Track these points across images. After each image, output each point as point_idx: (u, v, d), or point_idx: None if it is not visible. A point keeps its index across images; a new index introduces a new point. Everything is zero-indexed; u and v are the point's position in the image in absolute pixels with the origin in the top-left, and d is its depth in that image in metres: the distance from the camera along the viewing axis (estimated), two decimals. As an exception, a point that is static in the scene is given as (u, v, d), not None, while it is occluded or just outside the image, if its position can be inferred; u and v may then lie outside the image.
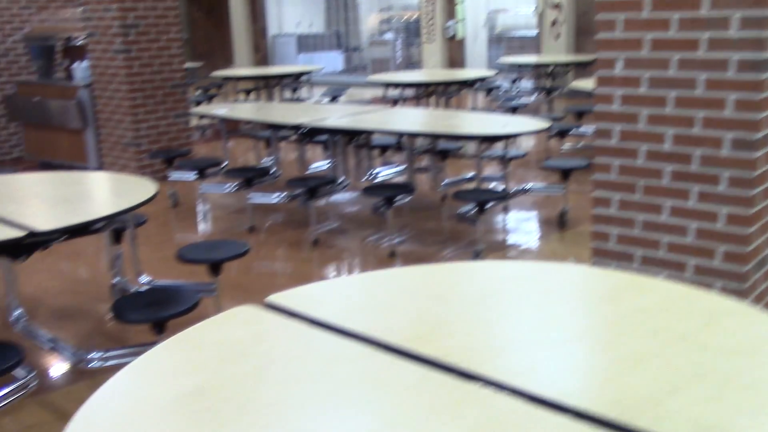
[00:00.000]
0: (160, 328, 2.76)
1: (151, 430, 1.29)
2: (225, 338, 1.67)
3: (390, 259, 4.74)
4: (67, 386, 3.26)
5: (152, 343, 2.83)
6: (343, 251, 4.99)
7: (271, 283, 4.46)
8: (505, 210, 5.64)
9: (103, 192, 3.53)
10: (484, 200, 4.47)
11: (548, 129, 5.17)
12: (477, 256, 4.59)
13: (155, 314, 2.72)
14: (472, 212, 4.67)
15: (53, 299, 4.31)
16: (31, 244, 2.78)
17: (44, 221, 2.83)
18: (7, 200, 3.29)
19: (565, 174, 5.22)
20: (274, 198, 5.82)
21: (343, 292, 1.98)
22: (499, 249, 4.89)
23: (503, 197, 4.82)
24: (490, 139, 5.22)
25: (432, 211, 5.84)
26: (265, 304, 1.85)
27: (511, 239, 5.14)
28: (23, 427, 2.91)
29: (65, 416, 2.98)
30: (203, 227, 5.73)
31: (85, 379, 3.27)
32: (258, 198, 5.82)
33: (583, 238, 4.95)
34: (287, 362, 1.54)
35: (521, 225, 5.46)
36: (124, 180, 3.59)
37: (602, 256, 3.19)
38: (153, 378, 1.50)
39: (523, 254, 4.78)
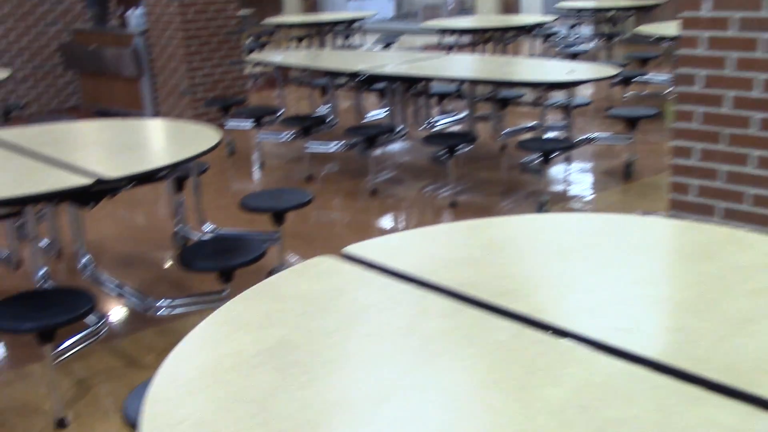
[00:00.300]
0: (228, 277, 2.75)
1: (242, 382, 1.25)
2: (305, 289, 1.62)
3: (451, 208, 4.65)
4: (135, 333, 3.29)
5: (219, 292, 2.84)
6: (401, 201, 4.92)
7: (330, 232, 4.43)
8: (567, 160, 5.49)
9: (166, 140, 3.51)
10: (550, 150, 4.33)
11: (614, 76, 4.96)
12: (541, 207, 4.48)
13: (224, 263, 2.69)
14: (537, 162, 4.54)
15: (115, 247, 4.35)
16: (99, 191, 2.77)
17: (111, 168, 2.81)
18: (71, 148, 3.29)
19: (632, 123, 5.03)
20: (332, 147, 5.76)
21: (420, 244, 1.91)
22: (562, 200, 4.76)
23: (569, 147, 4.67)
24: (558, 87, 5.04)
25: (490, 160, 5.71)
26: (342, 255, 1.80)
27: (574, 190, 5.00)
28: (93, 372, 2.95)
29: (134, 362, 3.02)
30: (260, 176, 5.71)
31: (152, 326, 3.30)
32: (315, 147, 5.76)
33: (650, 189, 4.79)
34: (373, 315, 1.49)
35: (583, 176, 5.31)
36: (186, 128, 3.55)
37: (680, 209, 3.06)
38: (235, 330, 1.45)
39: (587, 206, 4.65)
